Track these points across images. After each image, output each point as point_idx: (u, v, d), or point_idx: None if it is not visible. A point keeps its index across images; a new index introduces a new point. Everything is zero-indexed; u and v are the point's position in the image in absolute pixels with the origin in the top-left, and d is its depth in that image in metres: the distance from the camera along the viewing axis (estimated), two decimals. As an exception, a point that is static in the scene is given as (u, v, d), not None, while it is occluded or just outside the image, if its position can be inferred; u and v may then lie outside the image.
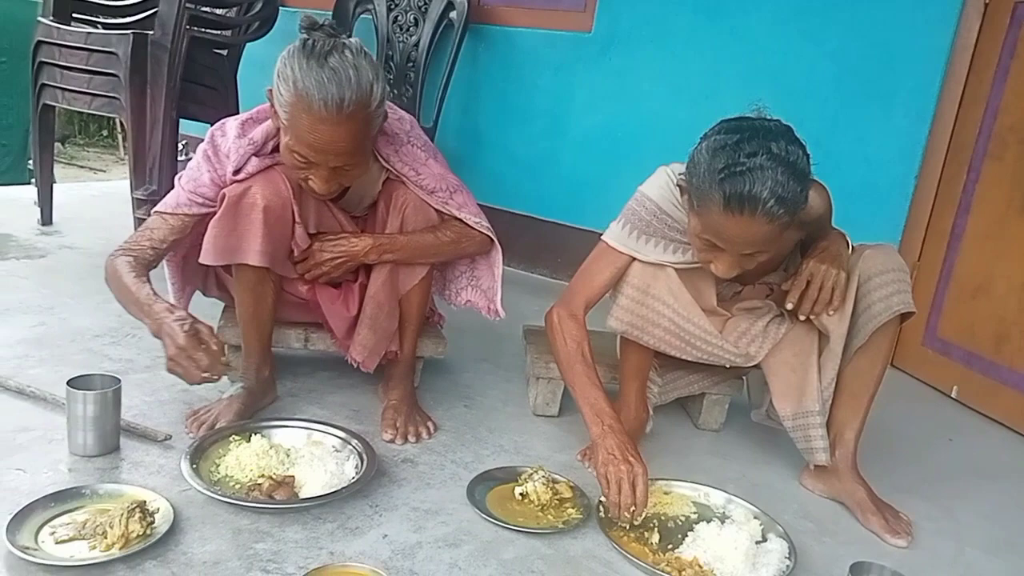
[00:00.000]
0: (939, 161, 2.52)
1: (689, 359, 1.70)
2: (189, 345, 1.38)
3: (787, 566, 1.38)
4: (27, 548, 1.17)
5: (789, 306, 1.57)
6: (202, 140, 1.66)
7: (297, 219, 1.62)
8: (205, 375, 1.38)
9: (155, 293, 1.50)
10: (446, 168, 1.76)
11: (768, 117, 1.41)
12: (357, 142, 1.50)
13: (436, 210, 1.73)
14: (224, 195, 1.56)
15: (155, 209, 1.64)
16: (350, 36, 1.50)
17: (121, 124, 6.63)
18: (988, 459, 2.09)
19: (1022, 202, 2.26)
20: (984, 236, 2.39)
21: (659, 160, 1.64)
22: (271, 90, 1.49)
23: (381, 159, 1.67)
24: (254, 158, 1.59)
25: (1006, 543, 1.63)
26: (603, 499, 1.48)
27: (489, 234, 1.78)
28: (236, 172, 1.58)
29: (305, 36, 1.46)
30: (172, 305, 1.48)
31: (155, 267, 1.62)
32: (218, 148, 1.60)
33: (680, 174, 1.49)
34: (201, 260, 1.58)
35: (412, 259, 1.73)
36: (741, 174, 1.31)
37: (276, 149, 1.60)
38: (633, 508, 1.40)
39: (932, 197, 2.55)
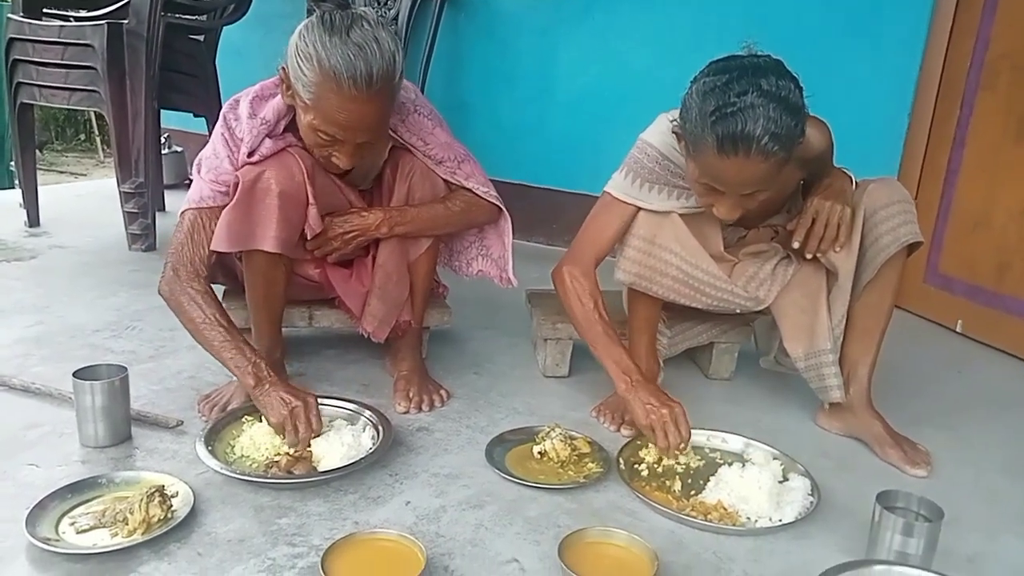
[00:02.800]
0: (931, 96, 2.51)
1: (699, 307, 1.69)
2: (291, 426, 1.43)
3: (811, 502, 1.38)
4: (48, 540, 1.16)
5: (796, 245, 1.56)
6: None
7: (311, 200, 1.58)
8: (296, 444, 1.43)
9: (235, 341, 1.49)
10: (451, 136, 1.73)
11: (758, 53, 1.38)
12: (384, 116, 1.49)
13: (444, 180, 1.71)
14: (238, 179, 1.52)
15: (183, 208, 1.58)
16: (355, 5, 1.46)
17: (99, 125, 6.55)
18: (998, 388, 2.10)
19: (1017, 130, 2.25)
20: (980, 168, 2.38)
21: (649, 118, 1.62)
22: (285, 68, 1.45)
23: (389, 130, 1.64)
24: (267, 139, 1.54)
25: (1023, 466, 1.64)
26: (637, 452, 1.50)
27: (498, 203, 1.77)
28: (250, 154, 1.53)
29: (317, 9, 1.42)
30: (267, 370, 1.47)
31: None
32: (233, 131, 1.55)
33: (673, 121, 1.47)
34: (213, 247, 1.53)
35: (423, 231, 1.71)
36: (732, 115, 1.29)
37: (288, 129, 1.57)
38: (683, 445, 1.46)
39: (926, 133, 2.54)
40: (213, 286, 1.76)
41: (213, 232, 1.54)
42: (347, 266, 1.78)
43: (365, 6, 3.19)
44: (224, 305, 1.79)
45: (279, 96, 1.53)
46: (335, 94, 1.39)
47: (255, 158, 1.53)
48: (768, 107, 1.28)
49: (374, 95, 1.41)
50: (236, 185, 1.52)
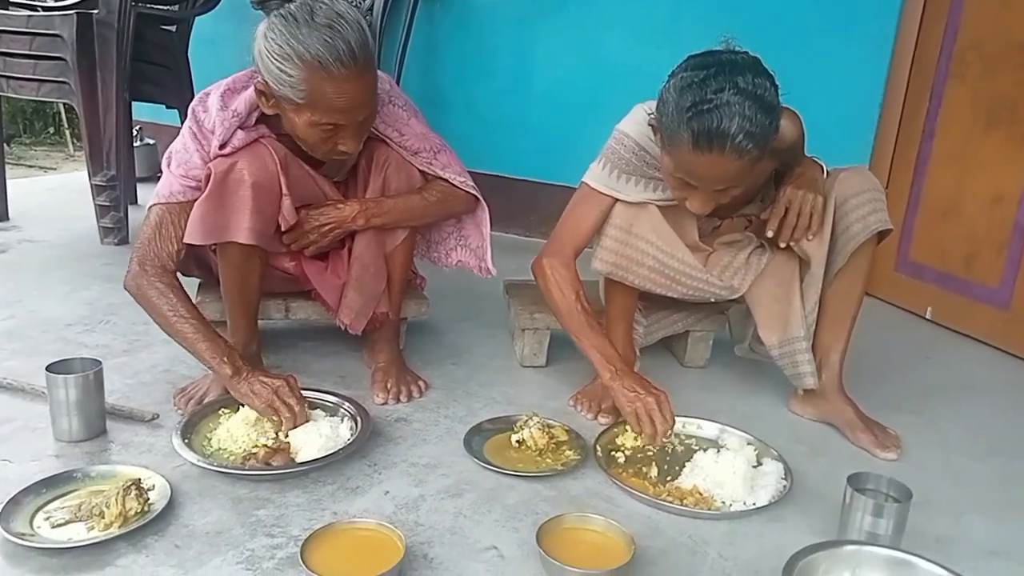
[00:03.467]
0: (902, 86, 2.55)
1: (675, 296, 1.70)
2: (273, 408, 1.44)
3: (784, 486, 1.40)
4: (23, 535, 1.15)
5: (769, 234, 1.58)
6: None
7: (284, 191, 1.56)
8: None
9: (208, 333, 1.48)
10: (427, 127, 1.72)
11: (736, 49, 1.39)
12: (375, 86, 1.48)
13: (420, 171, 1.70)
14: (210, 171, 1.50)
15: (151, 202, 1.56)
16: None
17: (68, 118, 6.44)
18: (966, 373, 2.14)
19: (985, 120, 2.30)
20: (950, 157, 2.42)
21: (625, 109, 1.63)
22: (262, 81, 1.43)
23: None
24: (239, 131, 1.52)
25: (990, 449, 1.68)
26: (614, 440, 1.51)
27: (475, 193, 1.77)
28: (222, 146, 1.51)
29: (263, 11, 1.41)
30: (242, 360, 1.48)
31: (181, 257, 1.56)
32: (202, 124, 1.53)
33: (650, 113, 1.48)
34: (186, 240, 1.51)
35: (400, 222, 1.71)
36: (708, 111, 1.30)
37: (260, 121, 1.56)
38: (670, 432, 1.47)
39: (897, 123, 2.57)
40: (187, 279, 1.75)
41: (181, 227, 1.52)
42: (323, 259, 1.77)
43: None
44: (199, 298, 1.80)
45: (251, 88, 1.52)
46: (327, 81, 1.38)
47: (227, 150, 1.51)
48: (744, 105, 1.30)
49: (362, 67, 1.40)
50: (208, 177, 1.50)
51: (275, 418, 1.45)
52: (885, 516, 1.20)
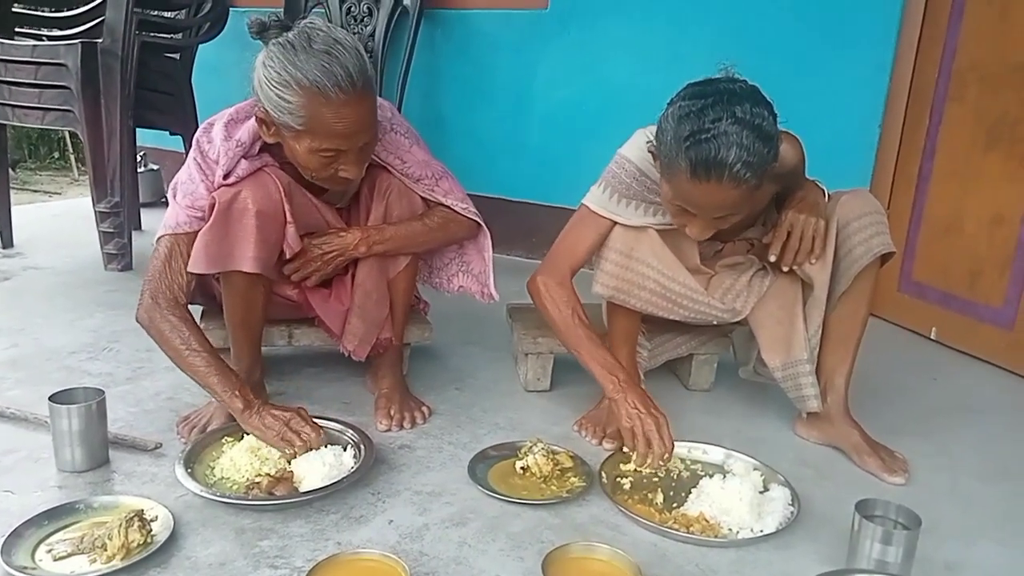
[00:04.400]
0: (901, 107, 2.56)
1: (676, 319, 1.70)
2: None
3: (792, 512, 1.39)
4: (25, 568, 1.14)
5: (772, 258, 1.58)
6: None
7: (289, 219, 1.57)
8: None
9: (220, 366, 1.50)
10: (428, 153, 1.73)
11: (736, 77, 1.40)
12: (375, 111, 1.49)
13: (422, 198, 1.71)
14: (214, 200, 1.51)
15: (159, 234, 1.57)
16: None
17: (73, 144, 6.48)
18: (972, 394, 2.13)
19: (985, 139, 2.30)
20: (951, 176, 2.43)
21: (627, 132, 1.64)
22: (262, 110, 1.45)
23: None
24: (243, 160, 1.53)
25: (999, 471, 1.66)
26: (619, 466, 1.50)
27: (476, 219, 1.77)
28: (226, 176, 1.52)
29: (262, 40, 1.42)
30: (252, 394, 1.50)
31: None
32: (206, 154, 1.54)
33: (649, 141, 1.49)
34: (190, 269, 1.51)
35: (402, 249, 1.71)
36: (706, 141, 1.31)
37: (263, 150, 1.56)
38: (666, 456, 1.46)
39: (897, 143, 2.58)
40: (191, 307, 1.75)
41: (186, 258, 1.52)
42: (326, 285, 1.77)
43: (344, 21, 3.20)
44: (202, 325, 1.79)
45: (254, 118, 1.53)
46: (326, 106, 1.39)
47: (231, 179, 1.52)
48: (741, 135, 1.30)
49: (360, 93, 1.41)
50: (212, 206, 1.51)
51: (287, 450, 1.45)
52: (894, 543, 1.19)
